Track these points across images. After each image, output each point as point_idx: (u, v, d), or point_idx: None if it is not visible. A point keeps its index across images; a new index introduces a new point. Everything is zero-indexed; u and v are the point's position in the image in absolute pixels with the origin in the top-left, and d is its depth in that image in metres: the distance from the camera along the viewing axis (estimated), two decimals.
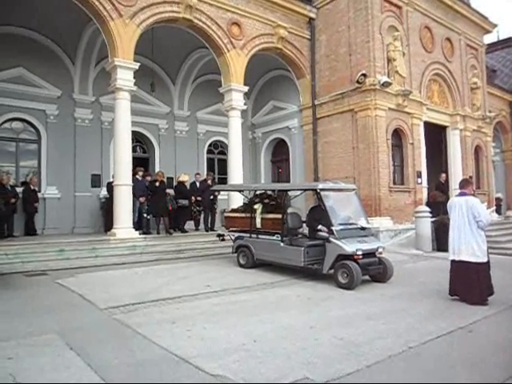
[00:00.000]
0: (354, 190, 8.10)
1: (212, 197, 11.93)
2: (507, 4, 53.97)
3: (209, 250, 10.50)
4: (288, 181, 14.84)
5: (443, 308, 5.45)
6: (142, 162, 13.74)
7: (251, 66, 12.40)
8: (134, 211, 10.56)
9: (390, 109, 12.28)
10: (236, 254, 8.83)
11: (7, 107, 11.42)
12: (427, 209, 11.60)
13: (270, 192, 9.02)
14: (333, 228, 6.89)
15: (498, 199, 18.91)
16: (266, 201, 8.69)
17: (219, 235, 9.72)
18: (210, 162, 15.96)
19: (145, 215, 11.00)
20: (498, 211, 17.22)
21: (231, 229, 9.37)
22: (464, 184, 6.00)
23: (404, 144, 13.05)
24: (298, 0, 13.06)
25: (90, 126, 12.78)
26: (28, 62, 11.62)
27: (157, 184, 11.09)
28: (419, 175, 13.26)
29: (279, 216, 7.98)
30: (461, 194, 5.90)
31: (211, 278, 7.23)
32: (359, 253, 6.63)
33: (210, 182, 12.16)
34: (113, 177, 10.77)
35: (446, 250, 11.07)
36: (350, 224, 7.29)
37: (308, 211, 8.25)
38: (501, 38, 24.91)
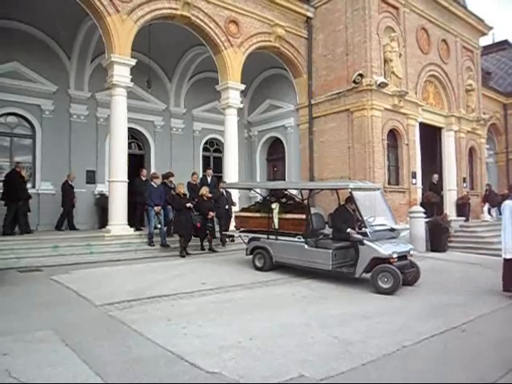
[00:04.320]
0: (379, 189, 7.73)
1: (227, 206, 10.55)
2: (503, 7, 54.37)
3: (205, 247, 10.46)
4: (283, 179, 14.82)
5: (437, 308, 5.51)
6: (137, 159, 13.69)
7: (248, 64, 12.38)
8: (148, 221, 9.95)
9: (385, 109, 12.34)
10: (251, 257, 8.21)
11: (2, 102, 11.28)
12: (421, 209, 11.68)
13: (285, 191, 8.52)
14: (367, 230, 6.53)
15: None
16: (284, 200, 8.17)
17: (229, 236, 9.26)
18: (206, 159, 15.93)
19: (159, 226, 10.00)
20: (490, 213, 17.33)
21: (242, 229, 8.75)
22: (511, 188, 6.48)
23: (399, 144, 13.12)
24: None
25: (85, 122, 12.69)
26: (23, 57, 11.50)
27: (188, 205, 9.55)
28: (414, 176, 13.33)
29: (301, 216, 7.48)
30: (510, 198, 6.46)
31: (206, 276, 7.23)
32: (395, 256, 6.28)
33: (223, 192, 10.63)
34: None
35: (439, 250, 11.30)
36: (380, 225, 6.88)
37: (333, 212, 7.74)
38: (496, 40, 25.14)
